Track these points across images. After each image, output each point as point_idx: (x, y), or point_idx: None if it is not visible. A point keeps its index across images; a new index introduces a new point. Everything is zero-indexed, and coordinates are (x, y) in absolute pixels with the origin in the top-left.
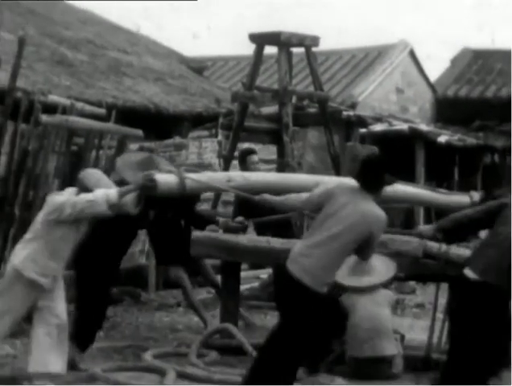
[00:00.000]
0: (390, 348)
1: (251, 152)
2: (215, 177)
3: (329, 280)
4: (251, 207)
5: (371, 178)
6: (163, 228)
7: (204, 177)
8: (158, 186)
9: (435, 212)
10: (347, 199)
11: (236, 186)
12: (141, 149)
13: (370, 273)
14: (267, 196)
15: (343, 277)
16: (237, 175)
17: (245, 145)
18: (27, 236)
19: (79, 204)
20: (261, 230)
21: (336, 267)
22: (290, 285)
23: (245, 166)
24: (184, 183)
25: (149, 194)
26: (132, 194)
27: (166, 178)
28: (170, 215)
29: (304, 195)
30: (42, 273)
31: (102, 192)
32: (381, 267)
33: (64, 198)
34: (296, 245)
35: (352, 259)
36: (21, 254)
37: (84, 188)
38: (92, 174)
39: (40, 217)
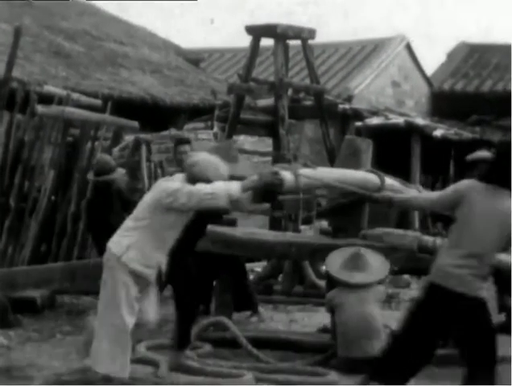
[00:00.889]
0: (380, 347)
1: (181, 141)
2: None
3: (485, 282)
4: None
5: (508, 174)
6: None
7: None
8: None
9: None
10: (483, 198)
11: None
12: (136, 140)
13: (365, 269)
14: (390, 194)
15: (336, 270)
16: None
17: (241, 138)
18: (130, 223)
19: (196, 196)
20: None
21: (487, 269)
22: (451, 299)
23: (175, 155)
24: (300, 180)
25: (273, 190)
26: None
27: (286, 175)
28: None
29: (434, 195)
30: (147, 265)
31: (223, 186)
32: (375, 264)
33: (178, 185)
34: (443, 256)
35: (347, 252)
36: (123, 243)
37: (195, 176)
38: (206, 161)
39: (148, 202)
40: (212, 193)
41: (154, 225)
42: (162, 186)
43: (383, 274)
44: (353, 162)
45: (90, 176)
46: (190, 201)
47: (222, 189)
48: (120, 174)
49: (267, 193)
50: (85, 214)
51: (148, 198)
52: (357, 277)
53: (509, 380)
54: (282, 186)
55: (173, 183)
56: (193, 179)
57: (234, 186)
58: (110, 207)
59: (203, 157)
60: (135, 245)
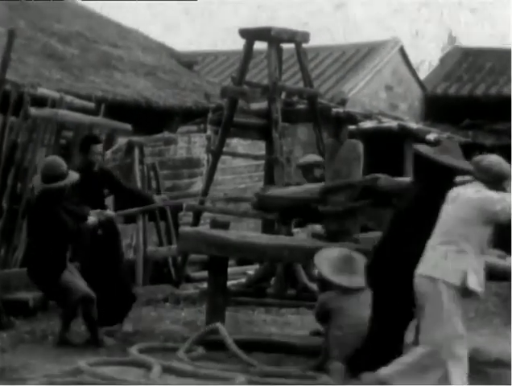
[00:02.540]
0: None
1: (95, 140)
2: None
3: None
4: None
5: None
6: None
7: None
8: None
9: None
10: None
11: None
12: (130, 143)
13: (357, 272)
14: None
15: (332, 274)
16: None
17: (234, 141)
18: (443, 247)
19: None
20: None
21: None
22: None
23: (86, 155)
24: None
25: None
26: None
27: None
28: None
29: None
30: (481, 284)
31: None
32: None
33: (499, 194)
34: None
35: (334, 253)
36: (456, 269)
37: (503, 174)
38: (499, 159)
39: (462, 219)
40: None
41: (476, 242)
42: (479, 196)
43: None
44: (356, 166)
45: (36, 182)
46: None
47: None
48: (74, 178)
49: None
50: (27, 224)
51: (458, 214)
52: (357, 281)
53: (509, 381)
54: None
55: (486, 192)
56: (499, 179)
57: None
58: (61, 218)
59: (493, 156)
60: (471, 269)
